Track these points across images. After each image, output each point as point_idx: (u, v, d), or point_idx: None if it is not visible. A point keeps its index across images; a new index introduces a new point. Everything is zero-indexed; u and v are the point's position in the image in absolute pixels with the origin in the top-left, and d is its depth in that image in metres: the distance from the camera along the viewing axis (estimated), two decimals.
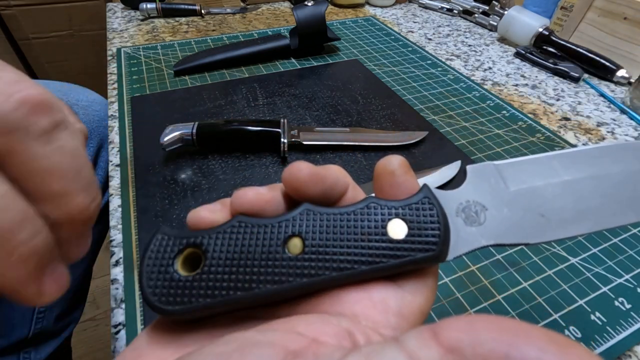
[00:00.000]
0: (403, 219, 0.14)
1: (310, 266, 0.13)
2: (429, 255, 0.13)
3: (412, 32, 0.73)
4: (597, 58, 0.59)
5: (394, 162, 0.15)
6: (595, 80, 0.60)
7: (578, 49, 0.60)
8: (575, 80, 0.58)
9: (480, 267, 0.31)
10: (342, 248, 0.13)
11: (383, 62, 0.61)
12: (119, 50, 0.60)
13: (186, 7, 0.72)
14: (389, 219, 0.14)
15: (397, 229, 0.13)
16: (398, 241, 0.13)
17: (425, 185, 0.14)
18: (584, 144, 0.46)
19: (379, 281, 0.14)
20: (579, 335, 0.27)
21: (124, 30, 0.67)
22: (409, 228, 0.13)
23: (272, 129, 0.39)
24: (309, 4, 0.58)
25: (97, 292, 1.03)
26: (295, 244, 0.13)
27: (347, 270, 0.13)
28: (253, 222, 0.14)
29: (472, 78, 0.58)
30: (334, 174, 0.15)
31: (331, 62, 0.60)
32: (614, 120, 0.51)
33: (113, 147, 0.41)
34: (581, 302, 0.29)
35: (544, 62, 0.61)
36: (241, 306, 0.13)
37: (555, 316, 0.28)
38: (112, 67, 0.56)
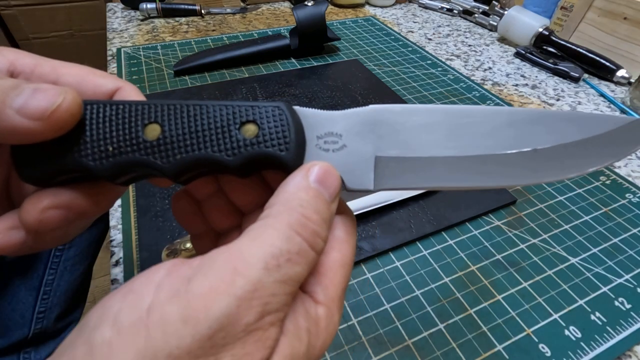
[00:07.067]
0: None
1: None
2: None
3: (412, 32, 0.73)
4: (597, 58, 0.59)
5: None
6: (595, 80, 0.60)
7: (578, 49, 0.60)
8: (575, 80, 0.58)
9: (480, 267, 0.31)
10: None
11: (383, 62, 0.61)
12: (119, 50, 0.60)
13: (186, 7, 0.72)
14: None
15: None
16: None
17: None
18: None
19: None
20: (579, 335, 0.27)
21: (124, 30, 0.67)
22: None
23: None
24: (309, 4, 0.58)
25: (97, 292, 1.03)
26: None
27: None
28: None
29: (472, 78, 0.58)
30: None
31: (331, 62, 0.60)
32: None
33: None
34: (581, 302, 0.29)
35: (544, 62, 0.61)
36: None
37: (555, 316, 0.28)
38: (112, 67, 0.56)
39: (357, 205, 0.33)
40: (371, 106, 0.16)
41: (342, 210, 0.16)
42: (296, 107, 0.16)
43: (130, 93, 0.16)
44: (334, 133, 0.16)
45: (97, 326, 0.10)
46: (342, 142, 0.16)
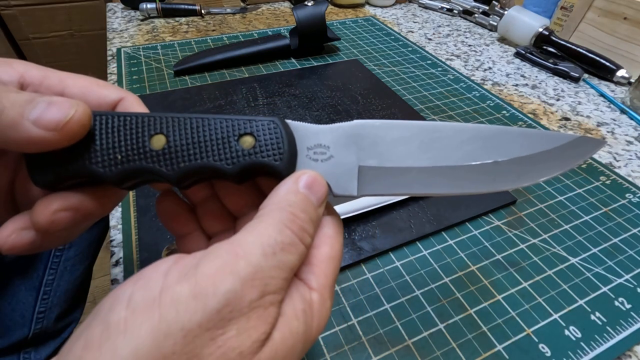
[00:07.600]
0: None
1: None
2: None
3: (412, 32, 0.73)
4: (597, 58, 0.59)
5: None
6: (595, 80, 0.60)
7: (578, 49, 0.60)
8: (575, 80, 0.58)
9: (480, 267, 0.31)
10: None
11: (383, 62, 0.61)
12: (119, 50, 0.60)
13: (186, 7, 0.72)
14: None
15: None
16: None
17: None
18: None
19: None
20: (579, 335, 0.27)
21: (124, 30, 0.67)
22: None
23: None
24: (309, 4, 0.58)
25: (97, 292, 1.03)
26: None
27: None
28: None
29: (472, 78, 0.58)
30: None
31: (331, 62, 0.60)
32: (614, 120, 0.51)
33: None
34: (581, 302, 0.29)
35: (544, 62, 0.61)
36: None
37: (555, 316, 0.28)
38: (112, 67, 0.56)
39: (357, 205, 0.33)
40: (355, 121, 0.18)
41: (330, 212, 0.17)
42: (288, 121, 0.17)
43: (133, 103, 0.18)
44: (322, 145, 0.17)
45: (112, 308, 0.11)
46: (330, 153, 0.17)
